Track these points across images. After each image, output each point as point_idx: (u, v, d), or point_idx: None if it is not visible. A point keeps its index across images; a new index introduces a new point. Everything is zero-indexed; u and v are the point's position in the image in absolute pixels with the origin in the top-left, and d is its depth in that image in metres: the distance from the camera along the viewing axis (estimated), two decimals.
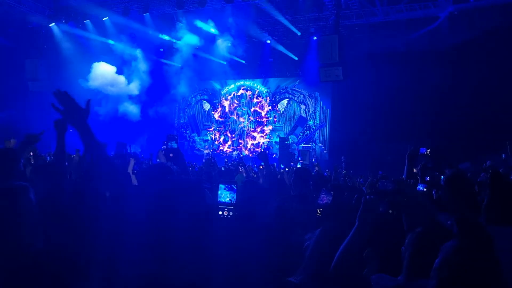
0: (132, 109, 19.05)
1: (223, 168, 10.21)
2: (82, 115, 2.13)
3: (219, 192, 2.43)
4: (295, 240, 2.67)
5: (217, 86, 20.88)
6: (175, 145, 3.09)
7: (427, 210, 2.41)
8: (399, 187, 2.52)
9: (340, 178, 8.08)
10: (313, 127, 18.71)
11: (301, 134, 18.88)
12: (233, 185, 2.45)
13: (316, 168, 10.37)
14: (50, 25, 16.89)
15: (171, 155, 3.10)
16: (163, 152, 3.57)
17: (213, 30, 17.17)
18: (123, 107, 18.80)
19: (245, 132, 20.08)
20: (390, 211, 2.43)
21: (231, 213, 2.34)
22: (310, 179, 4.11)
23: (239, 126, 20.22)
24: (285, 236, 2.75)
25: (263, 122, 19.78)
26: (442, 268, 1.71)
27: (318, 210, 2.79)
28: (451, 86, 13.62)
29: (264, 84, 19.95)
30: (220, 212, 2.34)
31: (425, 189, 3.38)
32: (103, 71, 17.97)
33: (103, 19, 16.23)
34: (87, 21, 16.71)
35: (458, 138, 12.53)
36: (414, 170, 3.94)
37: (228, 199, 2.41)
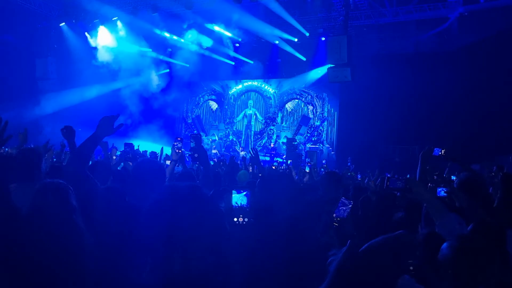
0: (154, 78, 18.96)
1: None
2: (104, 134, 2.41)
3: (232, 197, 2.39)
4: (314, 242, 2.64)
5: (224, 86, 20.91)
6: (192, 144, 3.08)
7: (439, 209, 2.39)
8: (409, 185, 2.51)
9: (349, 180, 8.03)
10: (321, 127, 18.67)
11: (308, 134, 18.84)
12: (244, 190, 2.40)
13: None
14: (60, 25, 17.02)
15: (196, 155, 3.09)
16: (179, 151, 3.55)
17: (221, 30, 17.19)
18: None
19: (253, 132, 20.11)
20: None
21: (246, 219, 2.27)
22: (341, 184, 3.98)
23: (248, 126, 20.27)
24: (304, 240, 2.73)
25: (270, 122, 19.78)
26: (450, 265, 1.71)
27: (335, 220, 2.74)
28: (461, 87, 13.52)
29: (272, 84, 19.94)
30: (235, 219, 2.27)
31: (445, 194, 3.33)
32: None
33: (113, 19, 16.32)
34: (96, 21, 16.80)
35: (467, 140, 12.43)
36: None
37: (239, 203, 2.35)
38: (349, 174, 10.85)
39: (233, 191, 2.38)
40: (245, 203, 2.36)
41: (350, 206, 2.79)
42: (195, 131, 21.06)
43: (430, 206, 2.47)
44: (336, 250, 2.06)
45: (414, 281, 1.97)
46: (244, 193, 2.38)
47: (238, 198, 2.37)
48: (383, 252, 1.82)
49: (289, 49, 17.76)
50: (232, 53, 18.83)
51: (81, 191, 2.16)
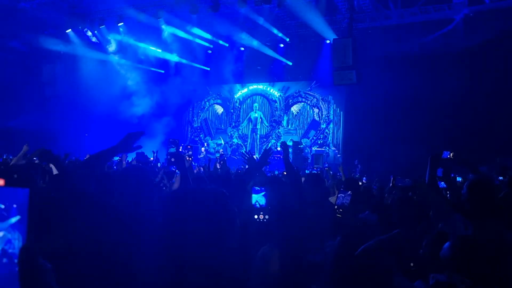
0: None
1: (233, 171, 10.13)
2: (121, 151, 2.46)
3: (252, 196, 2.38)
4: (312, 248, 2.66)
5: (230, 90, 20.96)
6: (173, 149, 3.14)
7: (442, 211, 2.39)
8: (415, 184, 2.51)
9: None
10: (327, 130, 18.66)
11: (315, 138, 18.83)
12: (262, 189, 2.41)
13: (331, 172, 10.22)
14: (66, 31, 17.17)
15: (172, 159, 3.13)
16: (189, 158, 3.62)
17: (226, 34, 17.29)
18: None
19: (258, 136, 20.13)
20: None
21: (266, 216, 2.29)
22: (323, 185, 4.09)
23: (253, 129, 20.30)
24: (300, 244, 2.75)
25: (276, 126, 19.80)
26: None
27: (337, 210, 2.77)
28: (466, 89, 13.45)
29: (277, 88, 19.97)
30: (256, 216, 2.30)
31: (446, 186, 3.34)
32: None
33: (118, 25, 16.44)
34: (102, 27, 16.94)
35: (473, 141, 12.36)
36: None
37: (259, 203, 2.38)
38: (356, 176, 10.84)
39: (252, 191, 2.40)
40: (263, 203, 2.38)
41: (349, 194, 2.82)
42: (171, 139, 21.15)
43: (435, 207, 2.46)
44: (331, 242, 2.07)
45: (407, 280, 1.98)
46: (263, 193, 2.39)
47: (257, 198, 2.37)
48: (379, 253, 1.84)
49: (294, 52, 17.79)
50: (237, 57, 18.89)
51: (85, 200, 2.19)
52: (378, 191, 6.01)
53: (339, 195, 2.91)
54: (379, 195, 5.70)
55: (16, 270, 0.95)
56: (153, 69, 19.72)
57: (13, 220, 0.95)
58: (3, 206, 0.94)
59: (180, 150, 9.07)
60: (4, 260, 0.94)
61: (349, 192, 2.84)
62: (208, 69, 20.00)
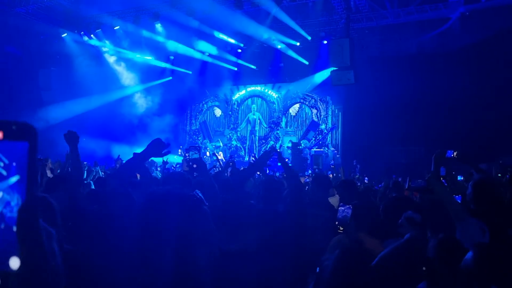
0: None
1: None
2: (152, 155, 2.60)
3: None
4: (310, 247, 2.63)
5: (228, 92, 20.92)
6: (196, 156, 3.12)
7: (455, 212, 2.35)
8: (430, 186, 2.47)
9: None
10: (325, 131, 18.64)
11: (313, 138, 18.80)
12: None
13: (335, 174, 10.19)
14: (62, 36, 17.12)
15: (194, 165, 3.12)
16: (187, 163, 3.62)
17: (223, 37, 17.24)
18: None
19: (257, 137, 20.09)
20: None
21: None
22: (329, 186, 4.07)
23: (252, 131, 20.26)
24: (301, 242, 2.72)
25: (275, 127, 19.77)
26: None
27: (338, 227, 2.71)
28: (464, 87, 13.47)
29: (275, 89, 19.94)
30: None
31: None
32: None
33: (115, 28, 16.41)
34: (98, 31, 16.90)
35: (472, 140, 12.36)
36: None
37: None
38: (356, 176, 10.84)
39: None
40: None
41: (350, 209, 2.76)
42: (192, 145, 21.10)
43: (450, 208, 2.42)
44: (329, 255, 2.02)
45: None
46: None
47: None
48: (396, 261, 1.78)
49: (291, 53, 17.77)
50: (235, 59, 18.87)
51: (119, 204, 2.31)
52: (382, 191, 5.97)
53: (339, 208, 2.85)
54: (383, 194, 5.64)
55: (14, 235, 0.85)
56: (155, 63, 19.66)
57: (13, 180, 0.85)
58: (2, 164, 0.84)
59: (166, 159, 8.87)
60: (2, 225, 0.85)
61: (349, 209, 2.75)
62: (206, 71, 19.92)
